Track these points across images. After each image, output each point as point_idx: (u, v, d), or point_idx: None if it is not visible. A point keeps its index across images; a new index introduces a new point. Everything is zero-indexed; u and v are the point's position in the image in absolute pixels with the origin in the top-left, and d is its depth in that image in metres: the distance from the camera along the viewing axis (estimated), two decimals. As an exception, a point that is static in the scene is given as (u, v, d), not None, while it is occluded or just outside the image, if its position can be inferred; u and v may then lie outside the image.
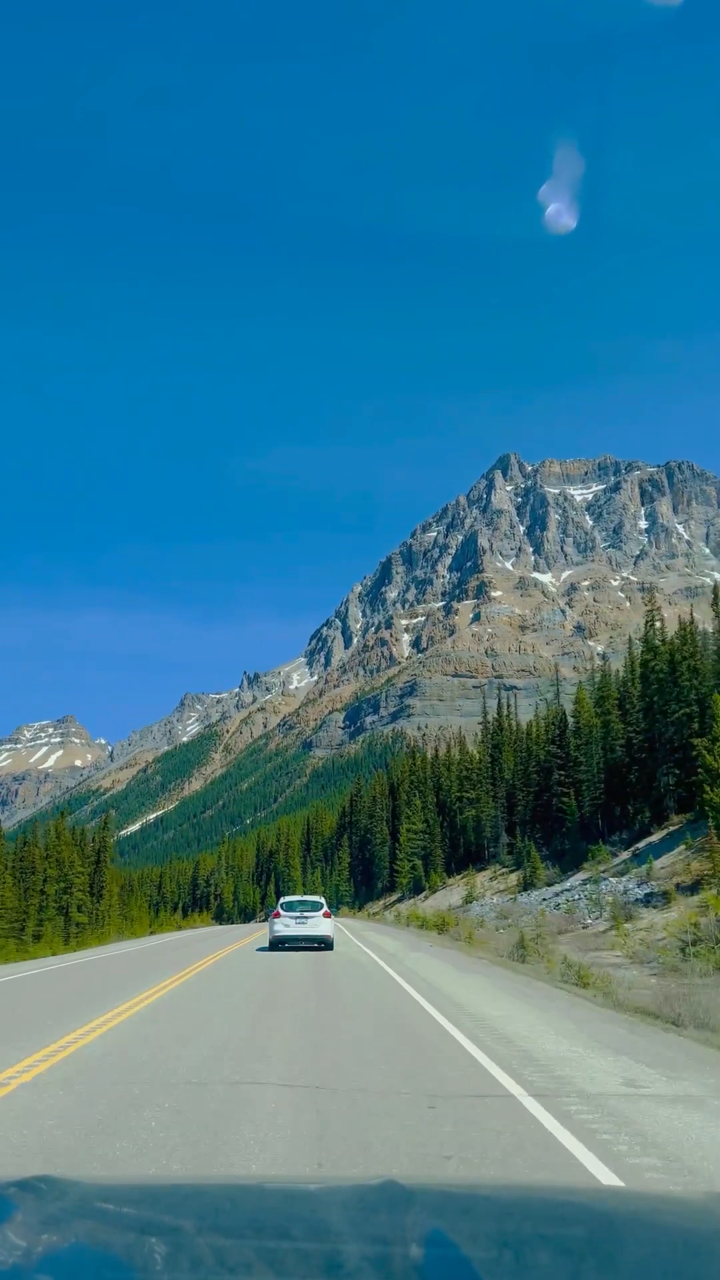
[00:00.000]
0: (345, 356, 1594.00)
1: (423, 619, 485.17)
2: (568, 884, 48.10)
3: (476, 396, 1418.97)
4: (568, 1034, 9.60)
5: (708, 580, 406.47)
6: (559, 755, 62.43)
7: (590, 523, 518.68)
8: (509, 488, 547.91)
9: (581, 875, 47.95)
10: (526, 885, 53.59)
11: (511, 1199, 2.44)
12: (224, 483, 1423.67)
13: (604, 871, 44.73)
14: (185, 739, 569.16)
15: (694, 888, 34.18)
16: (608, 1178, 4.72)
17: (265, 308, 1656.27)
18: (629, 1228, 2.04)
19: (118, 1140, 5.46)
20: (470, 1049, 8.53)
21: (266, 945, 25.68)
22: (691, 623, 54.33)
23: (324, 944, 24.13)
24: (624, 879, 41.30)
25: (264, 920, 59.68)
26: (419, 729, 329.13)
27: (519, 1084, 6.95)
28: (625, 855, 46.72)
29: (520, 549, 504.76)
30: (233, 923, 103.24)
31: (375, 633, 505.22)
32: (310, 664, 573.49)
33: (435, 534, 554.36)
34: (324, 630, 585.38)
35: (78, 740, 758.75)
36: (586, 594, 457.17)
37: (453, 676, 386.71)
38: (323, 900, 25.67)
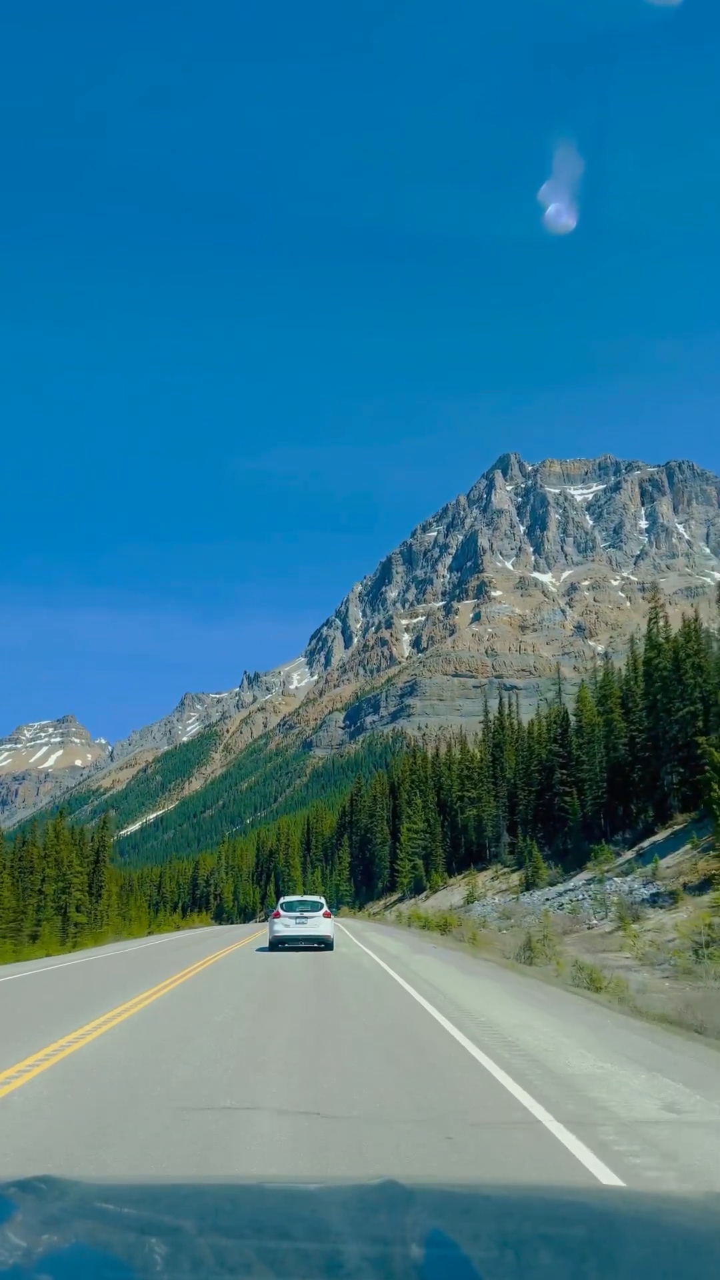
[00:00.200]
0: (345, 356, 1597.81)
1: (423, 619, 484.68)
2: (571, 884, 47.46)
3: (476, 396, 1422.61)
4: (590, 1046, 8.83)
5: (708, 580, 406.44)
6: (561, 754, 61.80)
7: (590, 523, 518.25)
8: (509, 488, 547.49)
9: (585, 875, 47.28)
10: (529, 885, 52.93)
11: (512, 1199, 2.42)
12: (224, 483, 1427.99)
13: (608, 871, 44.09)
14: (185, 739, 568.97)
15: (702, 887, 33.47)
16: None
17: (265, 308, 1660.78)
18: (630, 1228, 2.03)
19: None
20: (487, 1064, 7.71)
21: (266, 945, 25.45)
22: (696, 620, 53.61)
23: (324, 944, 24.01)
24: (628, 879, 40.63)
25: (264, 920, 59.19)
26: (419, 729, 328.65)
27: (546, 1108, 6.14)
28: (629, 855, 46.08)
29: (520, 549, 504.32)
30: (232, 923, 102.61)
31: (375, 632, 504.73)
32: (310, 664, 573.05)
33: (435, 534, 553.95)
34: (324, 630, 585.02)
35: (78, 740, 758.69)
36: (587, 594, 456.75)
37: (453, 676, 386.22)
38: (323, 900, 25.58)
